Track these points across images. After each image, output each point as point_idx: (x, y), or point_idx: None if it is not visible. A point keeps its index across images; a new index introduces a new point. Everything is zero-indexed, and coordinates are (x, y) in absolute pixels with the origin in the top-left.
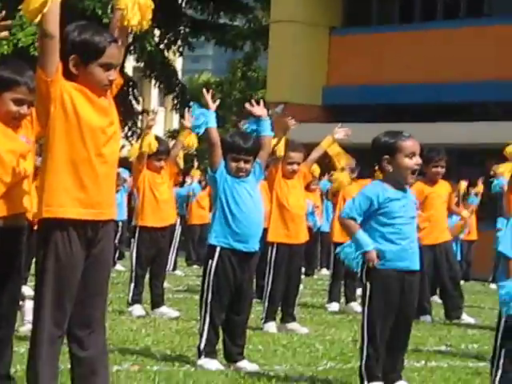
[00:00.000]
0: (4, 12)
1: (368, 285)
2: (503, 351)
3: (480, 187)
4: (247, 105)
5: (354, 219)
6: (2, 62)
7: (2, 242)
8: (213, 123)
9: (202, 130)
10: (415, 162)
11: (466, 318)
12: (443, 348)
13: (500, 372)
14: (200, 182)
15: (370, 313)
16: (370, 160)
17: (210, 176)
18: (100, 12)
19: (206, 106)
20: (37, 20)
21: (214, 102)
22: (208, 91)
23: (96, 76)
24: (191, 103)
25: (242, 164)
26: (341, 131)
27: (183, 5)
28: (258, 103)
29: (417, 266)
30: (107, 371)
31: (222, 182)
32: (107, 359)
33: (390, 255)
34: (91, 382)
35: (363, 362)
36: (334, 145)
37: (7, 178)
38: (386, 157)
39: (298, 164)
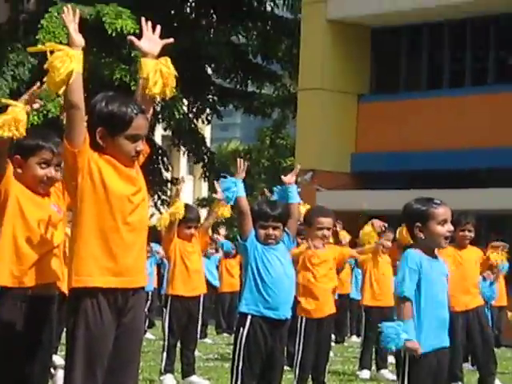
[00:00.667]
0: (39, 83)
1: (407, 367)
2: None
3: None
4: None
5: (410, 300)
6: (30, 131)
7: (32, 311)
8: (242, 192)
9: (232, 201)
10: (447, 228)
11: None
12: None
13: None
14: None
15: None
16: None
17: (241, 244)
18: (128, 80)
19: (238, 176)
20: (61, 91)
21: (243, 170)
22: (241, 161)
23: (123, 148)
24: (221, 175)
25: (270, 231)
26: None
27: (211, 73)
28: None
29: (448, 342)
30: None
31: (252, 249)
32: None
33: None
34: None
35: None
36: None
37: (36, 248)
38: (418, 224)
39: (328, 229)
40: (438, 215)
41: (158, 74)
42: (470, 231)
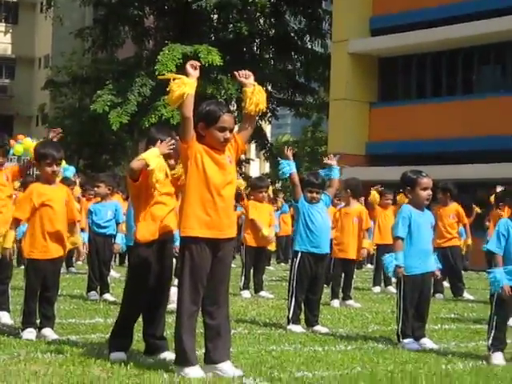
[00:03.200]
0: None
1: (402, 282)
2: (495, 317)
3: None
4: (326, 159)
5: (402, 239)
6: (157, 127)
7: (161, 250)
8: (294, 170)
9: (287, 176)
10: (427, 193)
11: (466, 295)
12: (452, 315)
13: (493, 332)
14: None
15: (403, 296)
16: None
17: (294, 205)
18: (216, 93)
19: (288, 159)
20: (175, 106)
21: (291, 154)
22: (288, 149)
23: (215, 136)
24: (278, 159)
25: (314, 194)
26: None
27: (271, 89)
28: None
29: (431, 268)
30: (229, 334)
31: (302, 207)
32: (229, 326)
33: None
34: (217, 341)
35: (399, 325)
36: None
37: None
38: (408, 188)
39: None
40: (422, 184)
41: (253, 98)
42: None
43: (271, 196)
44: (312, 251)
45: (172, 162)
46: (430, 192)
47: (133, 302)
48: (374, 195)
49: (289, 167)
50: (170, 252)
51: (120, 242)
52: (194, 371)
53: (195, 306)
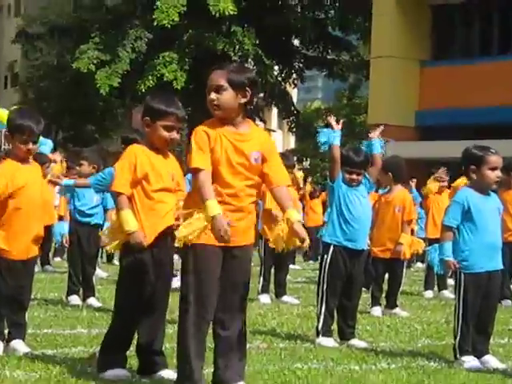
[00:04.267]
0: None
1: (462, 282)
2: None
3: None
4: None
5: (450, 228)
6: (153, 95)
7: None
8: (337, 142)
9: (327, 147)
10: (496, 174)
11: None
12: None
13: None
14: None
15: (463, 301)
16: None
17: (330, 185)
18: (227, 49)
19: (331, 127)
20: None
21: (338, 123)
22: (330, 116)
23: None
24: (318, 129)
25: (354, 176)
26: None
27: (298, 44)
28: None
29: (499, 266)
30: (244, 348)
31: (337, 190)
32: (245, 338)
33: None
34: (229, 356)
35: (457, 338)
36: None
37: None
38: (473, 167)
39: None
40: (491, 162)
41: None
42: None
43: (298, 179)
44: (346, 245)
45: (174, 134)
46: (499, 173)
47: (127, 310)
48: (430, 188)
49: (333, 135)
50: (170, 250)
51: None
52: None
53: (204, 317)
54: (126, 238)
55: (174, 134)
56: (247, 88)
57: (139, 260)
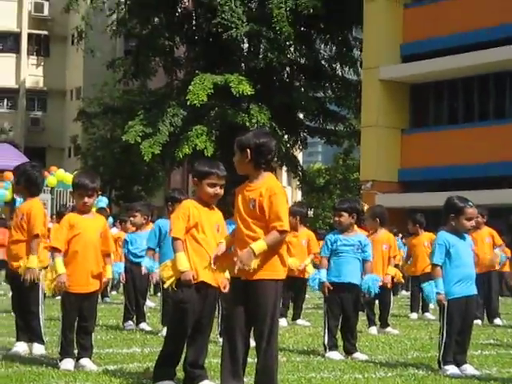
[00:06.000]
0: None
1: (446, 307)
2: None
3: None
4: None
5: (439, 265)
6: (199, 160)
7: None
8: (324, 279)
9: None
10: (470, 223)
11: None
12: (492, 341)
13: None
14: None
15: (447, 321)
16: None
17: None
18: (244, 122)
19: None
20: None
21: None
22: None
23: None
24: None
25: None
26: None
27: (302, 117)
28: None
29: (474, 292)
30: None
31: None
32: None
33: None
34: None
35: (441, 351)
36: None
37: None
38: (452, 215)
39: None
40: (468, 213)
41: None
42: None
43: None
44: (333, 280)
45: (218, 189)
46: (473, 223)
47: (177, 335)
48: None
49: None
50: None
51: (147, 264)
52: None
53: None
54: (180, 275)
55: (218, 190)
56: (247, 150)
57: (189, 293)
